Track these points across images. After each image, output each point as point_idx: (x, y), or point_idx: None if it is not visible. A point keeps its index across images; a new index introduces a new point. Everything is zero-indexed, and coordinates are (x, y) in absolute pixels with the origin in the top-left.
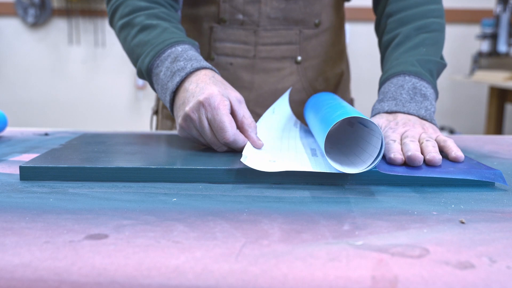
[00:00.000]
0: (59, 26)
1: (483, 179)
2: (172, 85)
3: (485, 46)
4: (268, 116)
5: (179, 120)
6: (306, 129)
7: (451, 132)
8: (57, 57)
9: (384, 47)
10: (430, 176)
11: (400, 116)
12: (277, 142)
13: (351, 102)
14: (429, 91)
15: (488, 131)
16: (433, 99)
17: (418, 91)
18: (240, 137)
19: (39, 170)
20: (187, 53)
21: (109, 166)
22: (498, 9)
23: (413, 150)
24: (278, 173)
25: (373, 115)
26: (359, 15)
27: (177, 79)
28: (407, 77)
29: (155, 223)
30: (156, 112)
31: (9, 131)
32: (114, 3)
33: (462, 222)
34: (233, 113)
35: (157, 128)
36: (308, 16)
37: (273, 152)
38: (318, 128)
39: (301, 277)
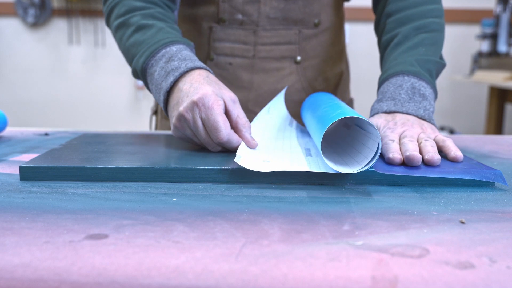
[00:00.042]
0: (59, 26)
1: (483, 179)
2: (166, 85)
3: (485, 46)
4: (263, 115)
5: (173, 120)
6: (301, 129)
7: (451, 132)
8: (57, 57)
9: (383, 47)
10: (430, 176)
11: (398, 116)
12: (271, 142)
13: (350, 102)
14: (428, 91)
15: (488, 131)
16: (432, 99)
17: (417, 91)
18: (234, 137)
19: (39, 170)
20: (181, 53)
21: (109, 166)
22: (498, 9)
23: (412, 150)
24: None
25: (371, 115)
26: (359, 15)
27: (171, 79)
28: (406, 77)
29: (155, 223)
30: (155, 113)
31: (9, 131)
32: (110, 3)
33: (462, 222)
34: (227, 113)
35: (156, 128)
36: (307, 16)
37: (267, 152)
38: (315, 127)
39: (301, 277)
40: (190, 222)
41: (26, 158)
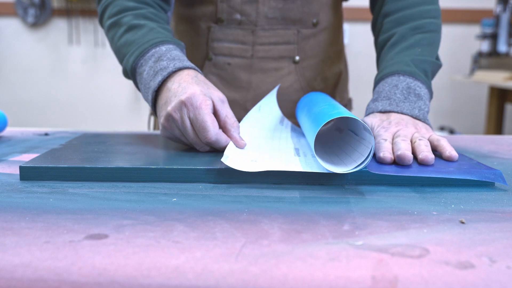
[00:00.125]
0: (59, 26)
1: (483, 179)
2: (154, 84)
3: (485, 46)
4: (254, 113)
5: (161, 120)
6: (293, 127)
7: (451, 132)
8: (57, 57)
9: (380, 47)
10: (430, 176)
11: (393, 116)
12: (260, 141)
13: (349, 102)
14: (423, 91)
15: (488, 131)
16: (427, 99)
17: (412, 91)
18: (222, 137)
19: (39, 170)
20: (170, 53)
21: (109, 166)
22: (498, 9)
23: (403, 149)
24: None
25: (366, 114)
26: (358, 15)
27: (159, 78)
28: (401, 77)
29: (155, 223)
30: (154, 113)
31: (9, 131)
32: (103, 3)
33: (462, 222)
34: (215, 113)
35: (154, 128)
36: (306, 16)
37: (255, 152)
38: (309, 125)
39: (301, 277)
40: (190, 222)
41: (26, 158)
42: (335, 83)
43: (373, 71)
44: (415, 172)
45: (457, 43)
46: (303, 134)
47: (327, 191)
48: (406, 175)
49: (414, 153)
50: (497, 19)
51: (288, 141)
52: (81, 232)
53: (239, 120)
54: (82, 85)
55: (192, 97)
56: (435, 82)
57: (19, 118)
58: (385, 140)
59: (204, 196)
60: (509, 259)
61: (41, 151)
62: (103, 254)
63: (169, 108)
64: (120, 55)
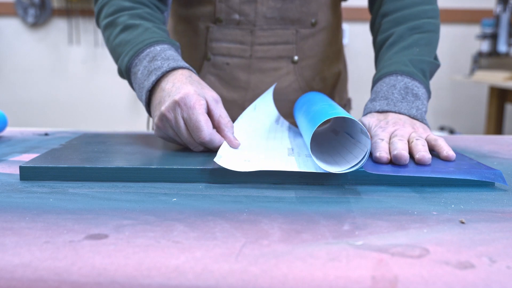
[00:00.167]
0: (59, 26)
1: (483, 179)
2: (148, 84)
3: (485, 46)
4: (249, 113)
5: (155, 120)
6: (288, 126)
7: (451, 132)
8: (57, 57)
9: (378, 47)
10: (430, 176)
11: (391, 116)
12: (255, 141)
13: (348, 102)
14: (421, 91)
15: (488, 131)
16: (424, 99)
17: (410, 91)
18: (216, 137)
19: (39, 170)
20: (165, 53)
21: (109, 166)
22: (498, 9)
23: (400, 149)
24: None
25: (364, 114)
26: (358, 15)
27: (153, 78)
28: (399, 77)
29: (155, 223)
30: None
31: (9, 131)
32: (100, 2)
33: (462, 222)
34: (209, 112)
35: (153, 129)
36: (304, 16)
37: (249, 152)
38: (307, 123)
39: (301, 277)
40: (190, 222)
41: (26, 158)
42: (334, 83)
43: (373, 71)
44: (411, 172)
45: (457, 43)
46: (299, 134)
47: (327, 191)
48: (402, 174)
49: (411, 153)
50: (497, 19)
51: (283, 141)
52: (81, 232)
53: (235, 119)
54: (82, 85)
55: (186, 97)
56: (435, 82)
57: (19, 118)
58: (382, 140)
59: (204, 196)
60: (509, 259)
61: (41, 151)
62: (103, 254)
63: (163, 108)
64: (116, 55)
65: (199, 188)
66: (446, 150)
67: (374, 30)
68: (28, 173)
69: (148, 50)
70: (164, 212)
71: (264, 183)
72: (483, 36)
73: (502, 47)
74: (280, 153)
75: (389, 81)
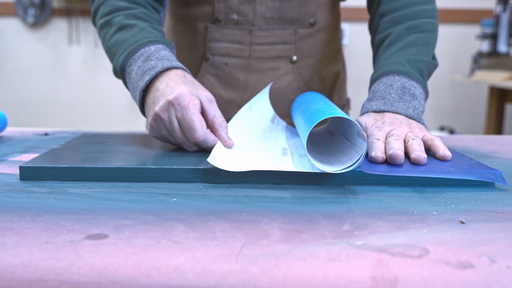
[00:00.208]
0: (59, 26)
1: (483, 179)
2: (142, 84)
3: (485, 46)
4: (244, 112)
5: (149, 120)
6: (284, 126)
7: (451, 132)
8: (57, 57)
9: (376, 47)
10: (430, 176)
11: (387, 115)
12: (249, 141)
13: (347, 102)
14: (418, 90)
15: (488, 131)
16: (422, 98)
17: (407, 91)
18: (210, 137)
19: (39, 170)
20: (159, 53)
21: (109, 166)
22: (498, 9)
23: (395, 148)
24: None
25: (361, 114)
26: (358, 15)
27: (146, 77)
28: (396, 77)
29: (155, 223)
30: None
31: (9, 131)
32: (96, 2)
33: (462, 222)
34: (203, 112)
35: None
36: (303, 16)
37: (243, 152)
38: (304, 121)
39: (301, 277)
40: (190, 222)
41: (26, 158)
42: (332, 83)
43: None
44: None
45: (457, 43)
46: (294, 133)
47: (326, 191)
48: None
49: (407, 152)
50: (497, 19)
51: (278, 140)
52: (81, 232)
53: (230, 118)
54: (82, 85)
55: (179, 97)
56: (435, 82)
57: (19, 118)
58: (378, 139)
59: (204, 196)
60: (509, 259)
61: (41, 151)
62: (103, 254)
63: (157, 108)
64: (111, 55)
65: (199, 188)
66: (442, 150)
67: (372, 29)
68: (28, 173)
69: (142, 50)
70: (164, 212)
71: (260, 183)
72: (483, 36)
73: (502, 47)
74: (274, 153)
75: (386, 81)
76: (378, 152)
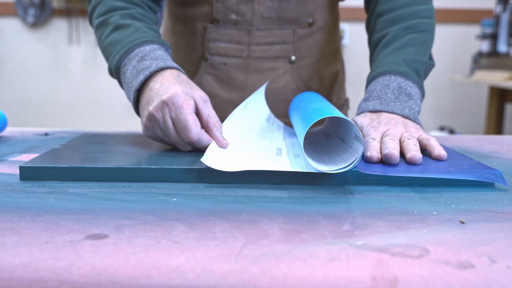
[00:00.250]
0: (59, 26)
1: (483, 180)
2: (136, 84)
3: (485, 46)
4: (239, 111)
5: (143, 119)
6: (279, 125)
7: (451, 132)
8: (57, 57)
9: (373, 47)
10: (430, 176)
11: (383, 115)
12: (243, 141)
13: (346, 102)
14: (414, 90)
15: (488, 131)
16: (418, 98)
17: (403, 91)
18: (204, 137)
19: (39, 170)
20: (154, 53)
21: (109, 166)
22: (498, 9)
23: (390, 148)
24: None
25: (358, 113)
26: (358, 15)
27: (141, 77)
28: (392, 77)
29: (155, 223)
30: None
31: (9, 131)
32: (93, 2)
33: (462, 222)
34: (198, 112)
35: None
36: (301, 16)
37: (237, 151)
38: (302, 119)
39: (301, 277)
40: (190, 222)
41: (26, 158)
42: (331, 83)
43: None
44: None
45: (457, 43)
46: (289, 133)
47: (326, 191)
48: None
49: (402, 152)
50: (497, 19)
51: (273, 140)
52: (81, 232)
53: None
54: (82, 85)
55: (174, 96)
56: (435, 82)
57: (19, 118)
58: (374, 139)
59: (204, 196)
60: (509, 259)
61: (41, 151)
62: (103, 254)
63: (151, 108)
64: (106, 54)
65: (199, 188)
66: (438, 149)
67: (369, 29)
68: (28, 173)
69: (137, 49)
70: (164, 212)
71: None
72: (483, 36)
73: (502, 47)
74: (269, 152)
75: (383, 81)
76: (373, 152)
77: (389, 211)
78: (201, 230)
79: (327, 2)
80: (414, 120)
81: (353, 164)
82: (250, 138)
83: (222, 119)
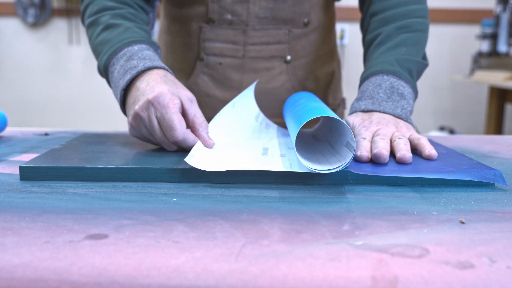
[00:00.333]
0: (59, 26)
1: (483, 180)
2: (123, 83)
3: (485, 46)
4: (227, 110)
5: (129, 119)
6: (268, 124)
7: (451, 132)
8: (57, 57)
9: (366, 46)
10: (430, 177)
11: (375, 115)
12: (229, 140)
13: (342, 101)
14: (407, 90)
15: (488, 131)
16: (410, 98)
17: (395, 90)
18: (190, 136)
19: (39, 170)
20: (142, 53)
21: (109, 166)
22: (498, 9)
23: (380, 148)
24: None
25: (350, 113)
26: (358, 15)
27: (128, 77)
28: (385, 76)
29: (155, 223)
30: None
31: (9, 131)
32: (85, 2)
33: (462, 222)
34: (184, 112)
35: None
36: (297, 16)
37: (222, 151)
38: (297, 117)
39: (301, 277)
40: (190, 222)
41: (26, 158)
42: (327, 83)
43: None
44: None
45: (457, 43)
46: (278, 131)
47: (327, 191)
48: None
49: (393, 151)
50: (497, 19)
51: (260, 140)
52: (81, 232)
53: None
54: (82, 85)
55: (159, 96)
56: (435, 82)
57: (19, 118)
58: (364, 138)
59: (204, 196)
60: (509, 259)
61: (41, 151)
62: (103, 254)
63: (137, 107)
64: (96, 54)
65: (199, 188)
66: (428, 149)
67: (363, 29)
68: (28, 173)
69: (126, 49)
70: (164, 212)
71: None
72: (483, 36)
73: (502, 47)
74: (254, 152)
75: (375, 80)
76: (363, 151)
77: (389, 211)
78: (201, 230)
79: (322, 2)
80: (406, 119)
81: (338, 169)
82: (237, 138)
83: None
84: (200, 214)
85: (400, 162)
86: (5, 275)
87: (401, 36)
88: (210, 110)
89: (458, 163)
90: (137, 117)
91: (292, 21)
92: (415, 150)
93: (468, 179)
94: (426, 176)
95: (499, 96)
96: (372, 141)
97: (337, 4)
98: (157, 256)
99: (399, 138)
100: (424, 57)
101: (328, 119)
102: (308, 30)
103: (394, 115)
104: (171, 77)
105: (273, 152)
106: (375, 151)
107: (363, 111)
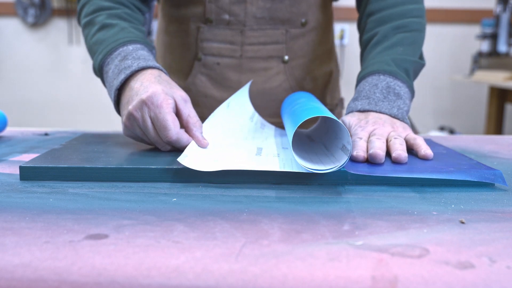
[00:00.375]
0: (59, 26)
1: (483, 180)
2: (117, 83)
3: (485, 46)
4: (222, 110)
5: (123, 119)
6: (263, 123)
7: (451, 132)
8: (57, 57)
9: (363, 46)
10: (429, 177)
11: (371, 115)
12: (223, 140)
13: (340, 101)
14: (403, 90)
15: (488, 131)
16: (407, 98)
17: (391, 90)
18: (183, 136)
19: (39, 170)
20: (136, 53)
21: (109, 166)
22: (498, 9)
23: (376, 148)
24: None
25: (346, 113)
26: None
27: (122, 76)
28: (381, 76)
29: (155, 223)
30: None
31: (9, 131)
32: (82, 2)
33: (462, 222)
34: (178, 112)
35: None
36: (294, 16)
37: (215, 151)
38: (294, 116)
39: (301, 277)
40: (190, 222)
41: (26, 158)
42: (325, 83)
43: None
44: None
45: (457, 43)
46: (274, 131)
47: (327, 191)
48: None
49: (389, 151)
50: (497, 19)
51: (254, 140)
52: (81, 232)
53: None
54: (82, 85)
55: (153, 96)
56: (435, 82)
57: (19, 118)
58: (361, 138)
59: (204, 196)
60: (509, 259)
61: (41, 151)
62: (103, 254)
63: (130, 107)
64: (92, 54)
65: (199, 188)
66: (424, 149)
67: (360, 29)
68: (28, 173)
69: (121, 49)
70: (164, 212)
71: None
72: (483, 36)
73: (502, 47)
74: (248, 152)
75: (372, 80)
76: (359, 151)
77: (389, 211)
78: (201, 230)
79: (320, 2)
80: (402, 119)
81: (331, 170)
82: (231, 138)
83: None
84: (200, 214)
85: (396, 162)
86: (5, 275)
87: (398, 36)
88: (208, 110)
89: (458, 163)
90: (131, 117)
91: (289, 21)
92: (411, 150)
93: (468, 179)
94: (426, 176)
95: (499, 96)
96: (368, 141)
97: (336, 4)
98: (157, 256)
99: (395, 138)
100: (421, 57)
101: (325, 121)
102: (306, 30)
103: (390, 115)
104: (165, 77)
105: (267, 152)
106: (371, 151)
107: (360, 111)
